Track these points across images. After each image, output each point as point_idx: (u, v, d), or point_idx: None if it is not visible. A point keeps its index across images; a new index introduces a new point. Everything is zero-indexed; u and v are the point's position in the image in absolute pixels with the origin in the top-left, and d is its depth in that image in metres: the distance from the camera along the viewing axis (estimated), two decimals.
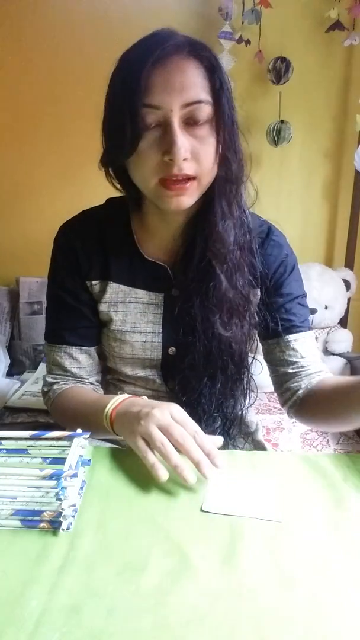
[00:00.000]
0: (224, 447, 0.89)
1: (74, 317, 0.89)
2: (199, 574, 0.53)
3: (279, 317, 0.89)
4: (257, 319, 0.89)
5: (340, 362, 2.03)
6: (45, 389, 0.92)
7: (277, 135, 1.90)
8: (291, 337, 0.89)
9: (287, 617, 0.48)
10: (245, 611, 0.48)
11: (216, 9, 1.83)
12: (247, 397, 0.93)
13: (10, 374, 1.96)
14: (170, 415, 0.68)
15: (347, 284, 2.11)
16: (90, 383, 0.93)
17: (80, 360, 0.91)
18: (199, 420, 0.74)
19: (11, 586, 0.51)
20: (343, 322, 2.18)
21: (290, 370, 0.90)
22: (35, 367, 1.97)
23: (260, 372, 0.94)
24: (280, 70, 1.87)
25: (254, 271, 0.85)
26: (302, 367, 0.89)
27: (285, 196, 2.14)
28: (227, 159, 0.75)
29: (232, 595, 0.50)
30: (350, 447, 1.75)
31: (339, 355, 2.07)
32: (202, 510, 0.62)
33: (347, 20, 1.85)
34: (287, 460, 0.75)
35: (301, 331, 0.90)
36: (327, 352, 2.11)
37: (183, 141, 0.70)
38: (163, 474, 0.64)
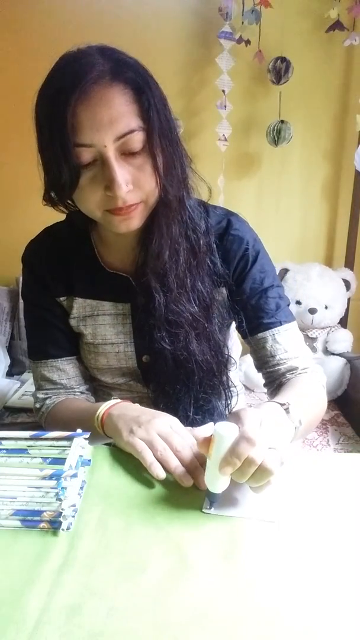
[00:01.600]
0: None
1: (53, 330, 0.90)
2: (199, 574, 0.53)
3: (244, 315, 0.86)
4: (224, 321, 0.87)
5: (340, 362, 2.03)
6: (38, 406, 0.92)
7: (277, 135, 1.90)
8: (260, 335, 0.86)
9: (287, 617, 0.48)
10: (245, 611, 0.48)
11: (216, 9, 1.83)
12: (228, 399, 0.92)
13: (10, 374, 1.97)
14: (170, 427, 0.70)
15: (347, 284, 2.11)
16: (81, 392, 0.93)
17: (68, 371, 0.91)
18: (182, 424, 0.74)
19: (11, 586, 0.51)
20: (343, 322, 2.18)
21: (266, 370, 0.89)
22: None
23: (235, 368, 0.93)
24: (280, 70, 1.87)
25: (215, 269, 0.84)
26: (274, 366, 0.87)
27: (285, 196, 2.14)
28: (164, 184, 0.73)
29: (232, 595, 0.50)
30: (350, 447, 1.75)
31: (339, 355, 2.07)
32: (202, 512, 0.62)
33: (347, 20, 1.85)
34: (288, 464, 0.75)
35: (271, 327, 0.86)
36: (327, 352, 2.11)
37: (123, 175, 0.69)
38: (161, 472, 0.65)
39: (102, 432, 0.75)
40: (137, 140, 0.68)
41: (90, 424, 0.75)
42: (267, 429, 0.60)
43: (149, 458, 0.66)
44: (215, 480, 0.60)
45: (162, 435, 0.68)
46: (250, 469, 0.57)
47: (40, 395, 0.92)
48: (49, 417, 0.89)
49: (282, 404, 0.69)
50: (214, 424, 0.87)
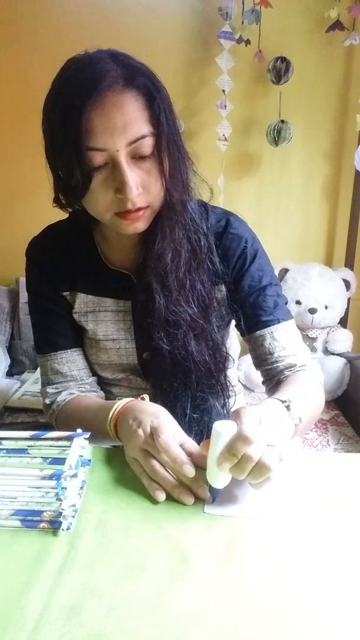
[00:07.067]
0: None
1: (61, 321, 0.90)
2: (199, 575, 0.53)
3: (243, 313, 0.87)
4: (222, 320, 0.88)
5: (340, 362, 2.03)
6: (48, 402, 0.91)
7: (277, 135, 1.90)
8: (258, 333, 0.87)
9: (287, 617, 0.48)
10: (245, 611, 0.48)
11: (216, 9, 1.82)
12: (226, 398, 0.92)
13: (10, 374, 1.96)
14: (152, 433, 0.66)
15: (347, 284, 2.11)
16: (90, 385, 0.93)
17: (77, 362, 0.92)
18: (179, 422, 0.72)
19: (11, 586, 0.51)
20: (343, 322, 2.18)
21: (264, 367, 0.89)
22: (35, 367, 1.97)
23: (233, 366, 0.94)
24: (280, 70, 1.87)
25: (214, 268, 0.85)
26: (272, 363, 0.87)
27: (285, 196, 2.14)
28: (169, 187, 0.75)
29: (231, 596, 0.50)
30: (350, 447, 1.75)
31: (339, 355, 2.07)
32: (204, 512, 0.62)
33: (347, 20, 1.85)
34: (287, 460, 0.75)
35: (269, 325, 0.86)
36: (327, 352, 2.11)
37: (134, 178, 0.70)
38: (160, 495, 0.64)
39: (117, 440, 0.74)
40: (147, 145, 0.70)
41: (101, 428, 0.75)
42: (267, 426, 0.61)
43: (145, 481, 0.66)
44: (215, 476, 0.61)
45: (146, 452, 0.66)
46: (248, 465, 0.58)
47: (51, 390, 0.91)
48: (60, 416, 0.89)
49: (283, 401, 0.70)
50: (208, 428, 0.88)
